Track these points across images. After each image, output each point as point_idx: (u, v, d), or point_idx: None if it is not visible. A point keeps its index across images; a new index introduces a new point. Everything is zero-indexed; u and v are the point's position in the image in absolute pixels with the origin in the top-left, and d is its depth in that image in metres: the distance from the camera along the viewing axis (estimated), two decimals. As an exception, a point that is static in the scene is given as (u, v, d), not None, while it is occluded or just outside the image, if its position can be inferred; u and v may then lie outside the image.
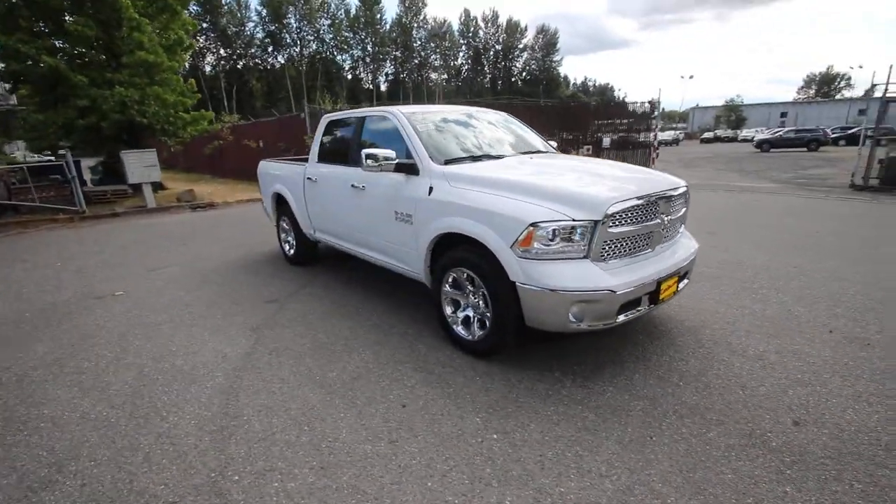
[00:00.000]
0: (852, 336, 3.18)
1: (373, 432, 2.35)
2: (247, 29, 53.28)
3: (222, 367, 3.09)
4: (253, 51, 55.25)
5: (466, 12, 72.89)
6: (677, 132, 49.57)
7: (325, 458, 2.17)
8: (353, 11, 59.35)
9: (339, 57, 61.79)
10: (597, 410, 2.46)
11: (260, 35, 54.40)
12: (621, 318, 2.64)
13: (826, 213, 7.91)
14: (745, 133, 47.42)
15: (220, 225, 8.70)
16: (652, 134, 16.43)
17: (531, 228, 2.53)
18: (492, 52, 74.89)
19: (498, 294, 2.77)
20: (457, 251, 3.03)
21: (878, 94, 10.72)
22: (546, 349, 3.12)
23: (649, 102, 16.82)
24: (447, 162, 3.31)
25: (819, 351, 2.99)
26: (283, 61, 56.79)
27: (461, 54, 72.02)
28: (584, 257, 2.56)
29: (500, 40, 74.08)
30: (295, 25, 55.38)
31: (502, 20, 72.98)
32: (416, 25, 65.74)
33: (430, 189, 3.15)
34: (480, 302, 2.99)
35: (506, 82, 75.00)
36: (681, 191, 3.04)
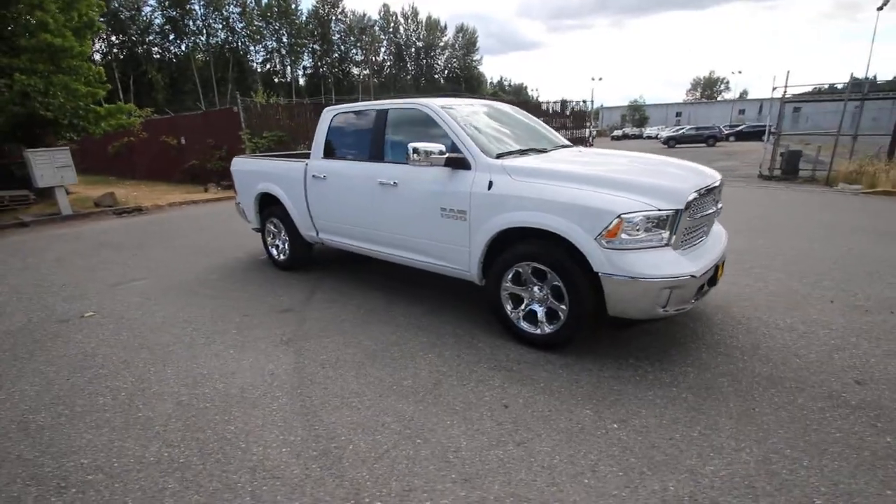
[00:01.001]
0: (851, 304, 3.66)
1: (492, 437, 2.26)
2: (143, 13, 47.76)
3: (278, 387, 2.78)
4: (151, 38, 49.67)
5: (386, 7, 71.94)
6: (590, 130, 53.21)
7: (462, 469, 2.05)
8: (265, 0, 55.78)
9: (251, 48, 57.82)
10: (691, 391, 2.58)
11: (159, 21, 49.05)
12: (693, 301, 2.79)
13: (754, 200, 8.99)
14: (648, 131, 52.13)
15: (164, 232, 7.77)
16: (587, 131, 17.52)
17: (619, 219, 2.57)
18: (413, 49, 74.77)
19: (576, 286, 2.79)
20: (524, 245, 3.00)
21: (777, 94, 12.35)
22: (594, 340, 3.19)
23: (583, 101, 17.90)
24: (499, 156, 3.25)
25: (834, 319, 3.40)
26: (185, 50, 51.80)
27: (383, 50, 71.00)
28: (666, 245, 2.66)
29: (421, 37, 74.19)
30: (200, 12, 50.76)
31: (422, 17, 73.16)
32: (334, 18, 63.55)
33: (490, 183, 3.07)
34: (550, 295, 2.99)
35: (429, 79, 75.33)
36: (721, 181, 3.27)
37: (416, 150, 3.19)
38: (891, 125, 12.55)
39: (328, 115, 4.35)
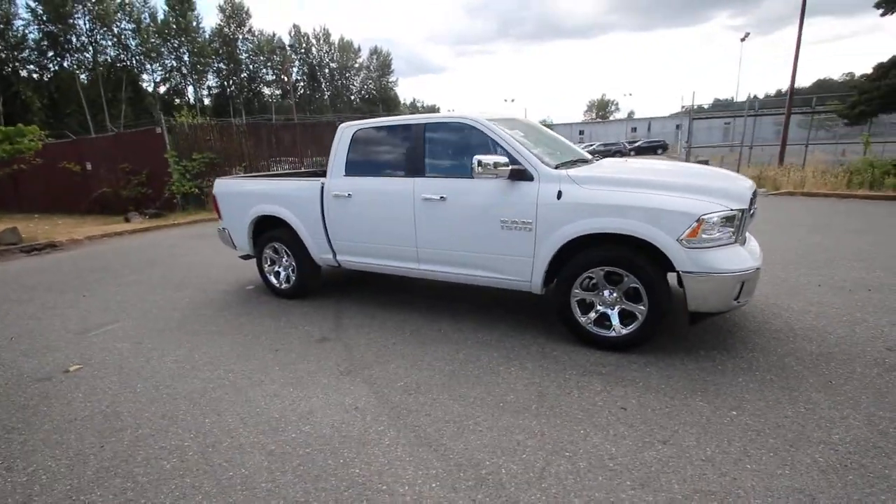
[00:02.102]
0: (835, 286, 4.26)
1: (635, 439, 2.27)
2: (14, 27, 41.41)
3: (374, 420, 2.54)
4: (25, 55, 43.24)
5: (296, 28, 70.09)
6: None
7: (631, 475, 2.03)
8: (161, 16, 51.54)
9: (148, 66, 52.82)
10: (771, 372, 2.82)
11: (34, 36, 42.83)
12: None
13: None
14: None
15: (103, 269, 6.76)
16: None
17: (699, 221, 2.78)
18: (327, 70, 73.69)
19: (655, 286, 2.94)
20: (597, 251, 3.09)
21: (684, 110, 14.12)
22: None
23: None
24: (557, 167, 3.34)
25: (833, 300, 3.93)
26: (68, 68, 45.90)
27: (295, 70, 68.97)
28: (734, 242, 2.92)
29: (335, 58, 73.43)
30: (85, 27, 45.34)
31: (334, 38, 72.58)
32: (240, 37, 60.59)
33: (560, 193, 3.14)
34: (624, 298, 3.10)
35: (345, 100, 74.57)
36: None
37: (480, 163, 3.17)
38: (769, 136, 14.96)
39: (348, 131, 4.14)
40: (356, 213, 4.04)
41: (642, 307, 3.03)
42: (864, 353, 2.99)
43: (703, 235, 2.80)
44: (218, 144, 13.45)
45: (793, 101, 13.82)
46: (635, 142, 40.96)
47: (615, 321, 3.16)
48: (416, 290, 4.81)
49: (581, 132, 74.03)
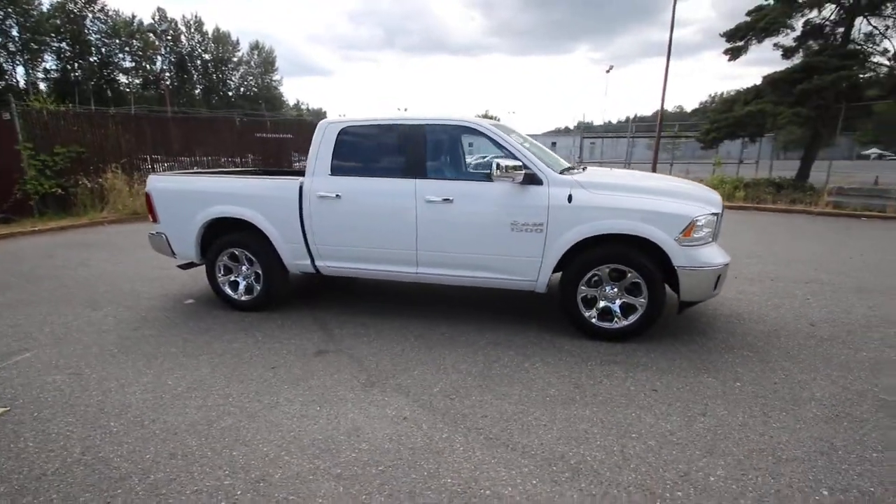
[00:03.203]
0: (746, 278, 5.19)
1: (679, 416, 2.53)
2: None
3: (433, 428, 2.44)
4: None
5: (162, 12, 61.98)
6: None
7: (696, 446, 2.27)
8: (-25, -23, 41.49)
9: (-47, 37, 41.99)
10: (750, 350, 3.36)
11: None
12: (718, 284, 3.62)
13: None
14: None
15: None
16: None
17: (692, 222, 3.21)
18: (199, 62, 66.53)
19: (654, 280, 3.31)
20: (603, 250, 3.37)
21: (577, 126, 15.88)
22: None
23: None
24: (561, 172, 3.56)
25: (751, 289, 4.79)
26: None
27: (160, 59, 60.95)
28: (712, 241, 3.42)
29: (209, 49, 66.68)
30: None
31: (208, 28, 65.93)
32: (90, 16, 51.63)
33: (570, 197, 3.36)
34: (626, 292, 3.43)
35: (221, 95, 68.06)
36: None
37: (499, 166, 3.25)
38: (620, 155, 17.49)
39: (332, 128, 3.87)
40: (346, 215, 3.79)
41: (643, 300, 3.37)
42: (798, 329, 3.73)
43: (694, 235, 3.24)
44: (88, 137, 11.33)
45: (660, 127, 16.47)
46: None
47: (618, 314, 3.46)
48: (389, 294, 4.67)
49: (470, 144, 77.93)
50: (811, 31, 13.56)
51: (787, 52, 14.04)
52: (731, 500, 1.92)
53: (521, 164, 3.35)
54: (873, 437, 2.32)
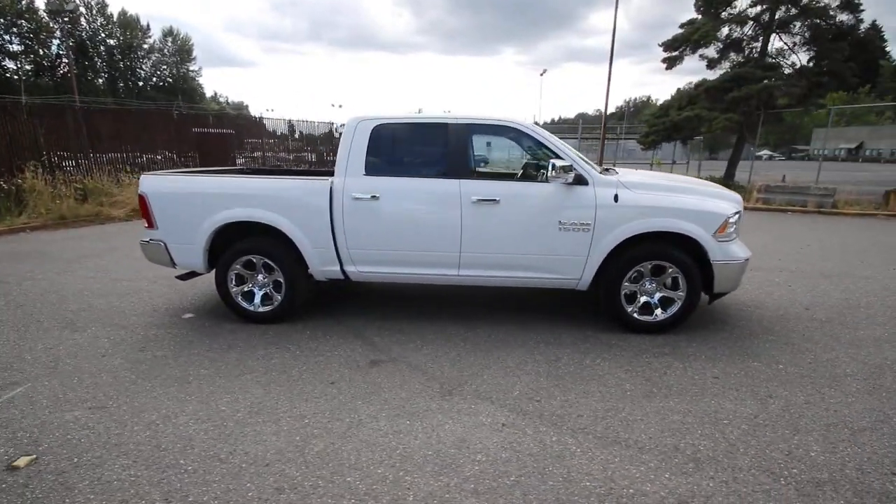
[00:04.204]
0: (762, 269, 5.68)
1: (752, 399, 2.73)
2: None
3: (538, 432, 2.42)
4: None
5: (52, -12, 54.64)
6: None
7: (783, 426, 2.45)
8: None
9: None
10: (777, 333, 3.69)
11: None
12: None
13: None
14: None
15: None
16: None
17: (726, 220, 3.47)
18: (103, 48, 59.71)
19: (692, 275, 3.53)
20: (647, 247, 3.52)
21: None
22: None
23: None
24: (601, 172, 3.67)
25: (772, 278, 5.24)
26: None
27: (56, 42, 53.82)
28: (736, 238, 3.71)
29: (115, 35, 60.09)
30: None
31: (113, 10, 59.35)
32: (-42, -14, 44.17)
33: (616, 196, 3.47)
34: (665, 286, 3.62)
35: (131, 85, 61.67)
36: None
37: (554, 167, 3.28)
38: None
39: (365, 126, 3.67)
40: (384, 217, 3.62)
41: (681, 293, 3.58)
42: (797, 313, 4.16)
43: (727, 231, 3.50)
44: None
45: (605, 128, 17.55)
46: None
47: (657, 308, 3.64)
48: (409, 298, 4.54)
49: (489, 143, 77.52)
50: (731, 44, 15.11)
51: (711, 63, 15.55)
52: (839, 471, 2.11)
53: (570, 164, 3.40)
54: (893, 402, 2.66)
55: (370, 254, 3.72)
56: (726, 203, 3.58)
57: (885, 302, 4.43)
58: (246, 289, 3.92)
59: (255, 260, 3.82)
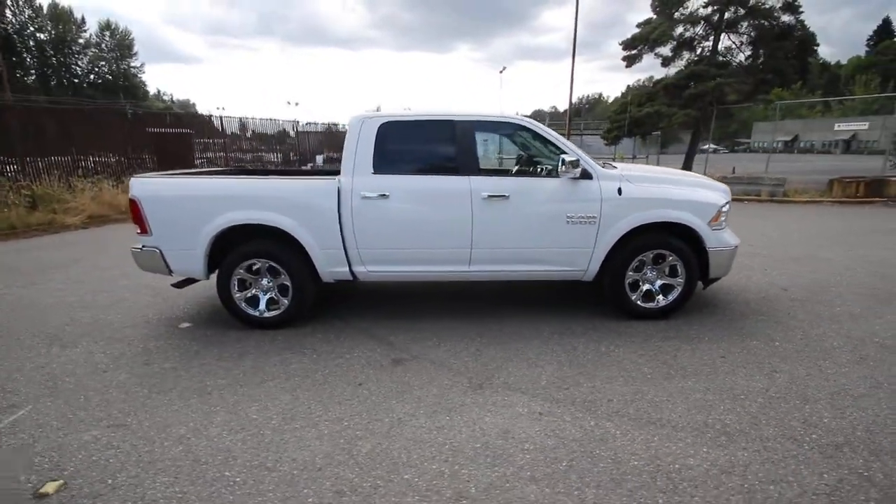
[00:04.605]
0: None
1: (760, 375, 2.94)
2: None
3: (576, 419, 2.52)
4: None
5: (-30, -24, 49.86)
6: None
7: (794, 397, 2.67)
8: None
9: None
10: (765, 314, 3.96)
11: None
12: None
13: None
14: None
15: None
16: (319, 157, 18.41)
17: (718, 209, 3.70)
18: (32, 42, 55.22)
19: (690, 262, 3.74)
20: (650, 237, 3.69)
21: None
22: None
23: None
24: (602, 167, 3.82)
25: (747, 262, 5.52)
26: None
27: (-25, 35, 49.10)
28: (726, 226, 3.96)
29: (45, 28, 55.68)
30: None
31: (42, 2, 54.92)
32: None
33: (620, 190, 3.62)
34: (665, 274, 3.81)
35: (64, 82, 57.40)
36: None
37: (563, 162, 3.39)
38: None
39: (371, 124, 3.64)
40: (394, 215, 3.62)
41: (680, 280, 3.79)
42: (777, 294, 4.49)
43: (720, 220, 3.73)
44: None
45: (570, 124, 18.07)
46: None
47: (658, 294, 3.84)
48: (408, 295, 4.55)
49: (486, 140, 76.25)
50: (683, 43, 15.93)
51: (665, 61, 16.34)
52: (851, 433, 2.32)
53: (577, 159, 3.52)
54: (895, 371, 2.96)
55: (380, 253, 3.70)
56: (717, 193, 3.81)
57: (849, 280, 4.85)
58: (250, 294, 3.79)
59: (259, 264, 3.71)
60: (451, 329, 3.75)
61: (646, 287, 3.83)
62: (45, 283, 5.32)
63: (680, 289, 3.80)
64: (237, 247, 3.70)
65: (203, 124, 16.96)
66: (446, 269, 3.77)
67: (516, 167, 3.86)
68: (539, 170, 3.86)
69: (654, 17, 15.51)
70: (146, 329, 3.91)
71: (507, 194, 3.59)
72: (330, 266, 3.72)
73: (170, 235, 3.66)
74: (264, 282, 3.78)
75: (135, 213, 3.64)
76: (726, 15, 14.37)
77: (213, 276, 3.80)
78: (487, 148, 4.20)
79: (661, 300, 3.83)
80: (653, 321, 3.81)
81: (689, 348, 3.34)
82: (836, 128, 49.03)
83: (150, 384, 2.98)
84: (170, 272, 3.78)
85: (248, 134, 18.87)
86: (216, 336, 3.71)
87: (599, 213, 3.61)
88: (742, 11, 13.72)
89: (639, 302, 3.82)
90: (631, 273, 3.76)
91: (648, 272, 3.81)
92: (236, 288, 3.75)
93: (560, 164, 3.40)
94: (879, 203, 10.51)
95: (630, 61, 15.39)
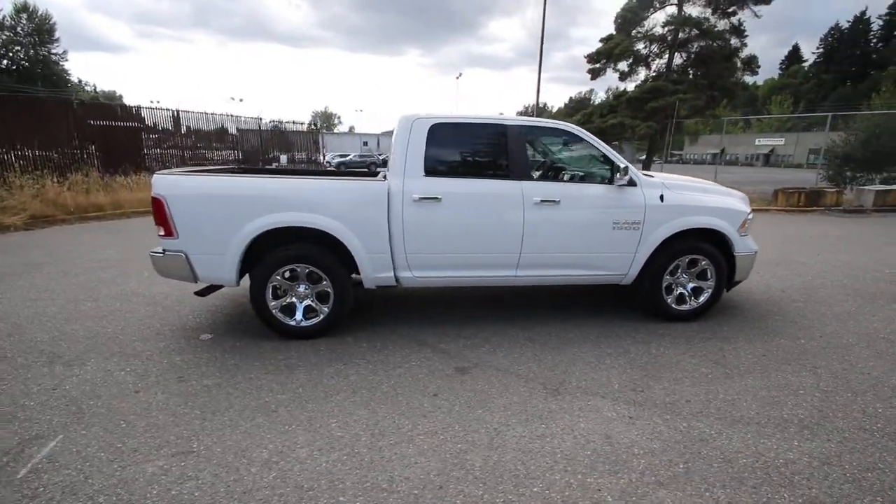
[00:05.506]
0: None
1: (806, 372, 3.15)
2: None
3: (662, 419, 2.57)
4: None
5: None
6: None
7: (841, 392, 2.89)
8: None
9: None
10: (773, 315, 4.26)
11: None
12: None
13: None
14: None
15: None
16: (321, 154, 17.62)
17: (746, 217, 3.95)
18: (-74, 18, 48.50)
19: (721, 266, 3.96)
20: (686, 243, 3.86)
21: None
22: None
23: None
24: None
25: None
26: None
27: None
28: (748, 233, 4.23)
29: (-56, 4, 49.11)
30: None
31: (-60, -27, 48.40)
32: None
33: (662, 197, 3.76)
34: (695, 277, 4.00)
35: (-30, 69, 50.96)
36: None
37: (618, 169, 3.49)
38: None
39: (422, 125, 3.53)
40: (447, 219, 3.52)
41: (710, 283, 3.99)
42: (779, 296, 4.85)
43: (746, 227, 3.98)
44: None
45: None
46: (381, 154, 44.47)
47: (691, 297, 4.02)
48: (430, 300, 4.46)
49: (315, 141, 74.37)
50: (639, 59, 16.96)
51: (623, 76, 17.31)
52: (909, 424, 2.55)
53: (627, 167, 3.62)
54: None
55: (429, 258, 3.59)
56: (742, 202, 4.07)
57: (832, 282, 5.34)
58: (286, 302, 3.54)
59: (298, 270, 3.47)
60: (499, 334, 3.71)
61: (679, 291, 3.99)
62: (9, 293, 4.67)
63: (711, 291, 4.00)
64: (269, 252, 3.44)
65: (130, 117, 15.20)
66: (494, 273, 3.72)
67: (565, 173, 3.90)
68: (587, 176, 3.91)
69: (615, 34, 16.39)
70: (162, 342, 3.53)
71: (557, 199, 3.61)
72: (375, 271, 3.55)
73: (199, 238, 3.34)
74: (301, 289, 3.54)
75: (159, 214, 3.29)
76: (680, 35, 15.48)
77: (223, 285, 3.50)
78: (535, 153, 4.20)
79: (693, 303, 4.01)
80: (685, 323, 3.98)
81: (731, 348, 3.52)
82: (756, 143, 54.27)
83: (198, 404, 2.68)
84: (195, 279, 3.44)
85: (183, 129, 17.36)
86: (249, 347, 3.42)
87: (643, 219, 3.73)
88: (696, 32, 14.85)
89: (673, 305, 3.98)
90: (668, 277, 3.91)
91: (682, 276, 3.98)
92: (273, 297, 3.49)
93: (617, 171, 3.48)
94: (818, 212, 11.71)
95: (595, 74, 16.17)
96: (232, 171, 3.98)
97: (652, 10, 16.03)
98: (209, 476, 2.09)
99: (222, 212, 3.31)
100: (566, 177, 3.87)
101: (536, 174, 3.82)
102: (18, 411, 2.60)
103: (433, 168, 3.53)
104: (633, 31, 16.23)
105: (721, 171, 17.50)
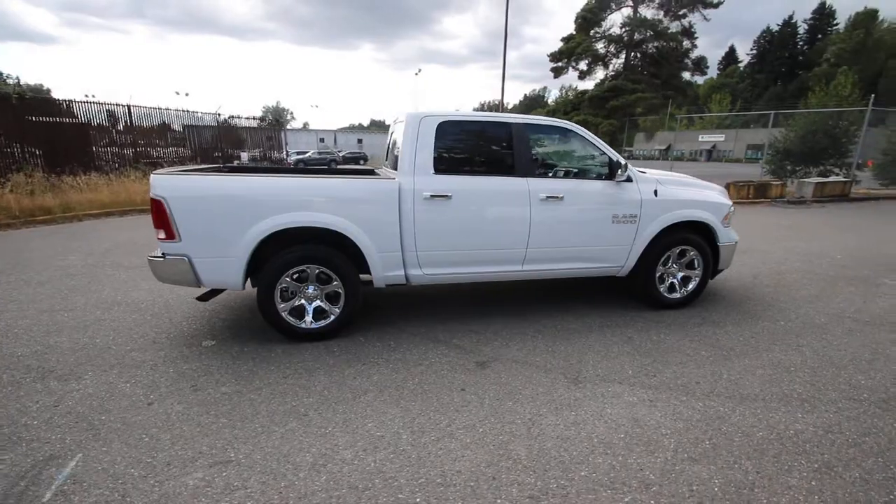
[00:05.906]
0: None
1: (796, 353, 3.45)
2: None
3: (683, 403, 2.75)
4: None
5: None
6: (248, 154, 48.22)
7: (846, 367, 3.19)
8: None
9: None
10: (756, 299, 4.60)
11: None
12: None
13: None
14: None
15: None
16: (285, 152, 17.05)
17: (729, 210, 4.25)
18: None
19: (706, 256, 4.24)
20: (675, 235, 4.10)
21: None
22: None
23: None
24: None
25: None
26: None
27: None
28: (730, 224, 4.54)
29: None
30: None
31: None
32: None
33: (656, 191, 3.97)
34: (684, 267, 4.26)
35: None
36: None
37: (619, 165, 3.65)
38: None
39: (430, 122, 3.54)
40: (458, 216, 3.56)
41: (698, 272, 4.26)
42: (753, 282, 5.23)
43: (729, 219, 4.28)
44: None
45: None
46: (341, 151, 43.48)
47: (681, 286, 4.27)
48: (420, 296, 4.50)
49: (269, 137, 71.67)
50: (597, 58, 17.59)
51: (582, 74, 17.91)
52: (886, 389, 2.85)
53: (626, 163, 3.80)
54: (885, 338, 3.66)
55: (440, 255, 3.62)
56: (724, 196, 4.36)
57: (795, 268, 5.82)
58: (295, 304, 3.46)
59: (308, 271, 3.40)
60: (508, 328, 3.80)
61: (670, 280, 4.24)
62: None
63: (697, 280, 4.27)
64: (275, 253, 3.35)
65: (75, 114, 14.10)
66: (501, 269, 3.80)
67: (566, 169, 4.02)
68: (587, 172, 4.04)
69: (575, 33, 16.91)
70: (161, 351, 3.36)
71: (561, 195, 3.73)
72: (385, 270, 3.54)
73: (203, 241, 3.20)
74: (310, 290, 3.48)
75: (159, 216, 3.12)
76: (636, 35, 16.18)
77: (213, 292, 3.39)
78: (538, 150, 4.30)
79: (683, 291, 4.27)
80: (676, 310, 4.23)
81: (723, 332, 3.78)
82: (700, 139, 57.63)
83: (222, 412, 2.59)
84: (198, 284, 3.29)
85: (121, 127, 16.12)
86: (258, 352, 3.33)
87: (640, 213, 3.92)
88: (650, 33, 15.58)
89: (665, 293, 4.22)
90: (661, 267, 4.14)
91: (673, 266, 4.22)
92: (281, 299, 3.40)
93: (618, 168, 3.64)
94: (766, 203, 12.65)
95: (557, 72, 16.65)
96: (231, 171, 3.82)
97: (609, 10, 16.66)
98: (257, 484, 2.04)
99: (230, 212, 3.19)
100: (568, 173, 4.00)
101: (539, 170, 3.90)
102: (22, 431, 2.41)
103: (442, 166, 3.55)
104: (592, 32, 16.82)
105: (676, 167, 18.51)
